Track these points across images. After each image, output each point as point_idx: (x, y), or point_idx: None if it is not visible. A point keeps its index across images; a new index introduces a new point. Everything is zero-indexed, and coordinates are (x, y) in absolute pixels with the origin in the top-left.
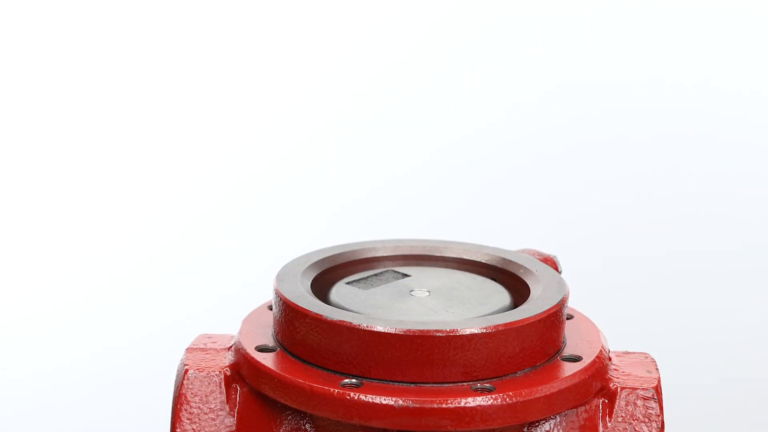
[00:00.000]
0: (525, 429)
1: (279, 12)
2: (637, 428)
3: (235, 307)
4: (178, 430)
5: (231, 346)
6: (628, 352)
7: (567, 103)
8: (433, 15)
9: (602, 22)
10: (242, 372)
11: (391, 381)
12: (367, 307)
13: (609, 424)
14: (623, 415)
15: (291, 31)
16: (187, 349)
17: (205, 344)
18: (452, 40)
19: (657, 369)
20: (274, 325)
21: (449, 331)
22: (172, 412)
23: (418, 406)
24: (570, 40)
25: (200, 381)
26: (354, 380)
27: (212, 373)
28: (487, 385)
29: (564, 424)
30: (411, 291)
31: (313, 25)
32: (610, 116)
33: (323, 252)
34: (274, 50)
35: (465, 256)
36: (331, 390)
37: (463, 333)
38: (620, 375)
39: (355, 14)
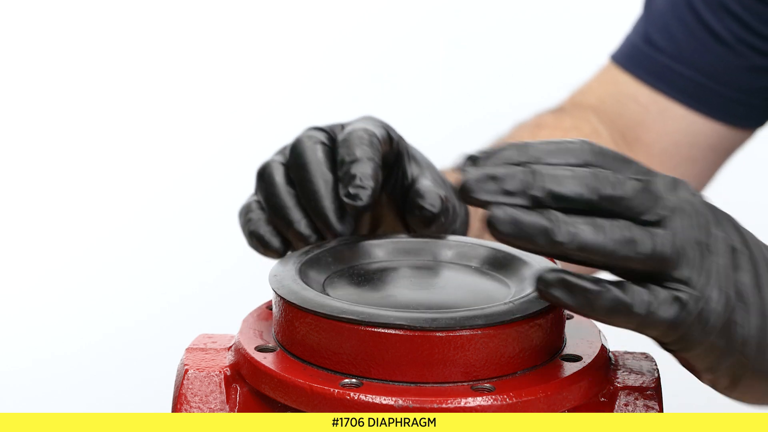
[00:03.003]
0: None
1: (276, 14)
2: None
3: (235, 307)
4: None
5: (231, 346)
6: (628, 352)
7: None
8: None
9: (609, 20)
10: (242, 372)
11: (391, 381)
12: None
13: None
14: None
15: (278, 26)
16: (187, 349)
17: (205, 344)
18: (449, 34)
19: (657, 369)
20: (274, 325)
21: (449, 331)
22: (172, 411)
23: (418, 405)
24: (571, 39)
25: (200, 381)
26: (354, 380)
27: (212, 373)
28: (487, 385)
29: None
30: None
31: (304, 19)
32: None
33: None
34: (265, 46)
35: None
36: (331, 390)
37: (463, 333)
38: (620, 375)
39: (351, 11)
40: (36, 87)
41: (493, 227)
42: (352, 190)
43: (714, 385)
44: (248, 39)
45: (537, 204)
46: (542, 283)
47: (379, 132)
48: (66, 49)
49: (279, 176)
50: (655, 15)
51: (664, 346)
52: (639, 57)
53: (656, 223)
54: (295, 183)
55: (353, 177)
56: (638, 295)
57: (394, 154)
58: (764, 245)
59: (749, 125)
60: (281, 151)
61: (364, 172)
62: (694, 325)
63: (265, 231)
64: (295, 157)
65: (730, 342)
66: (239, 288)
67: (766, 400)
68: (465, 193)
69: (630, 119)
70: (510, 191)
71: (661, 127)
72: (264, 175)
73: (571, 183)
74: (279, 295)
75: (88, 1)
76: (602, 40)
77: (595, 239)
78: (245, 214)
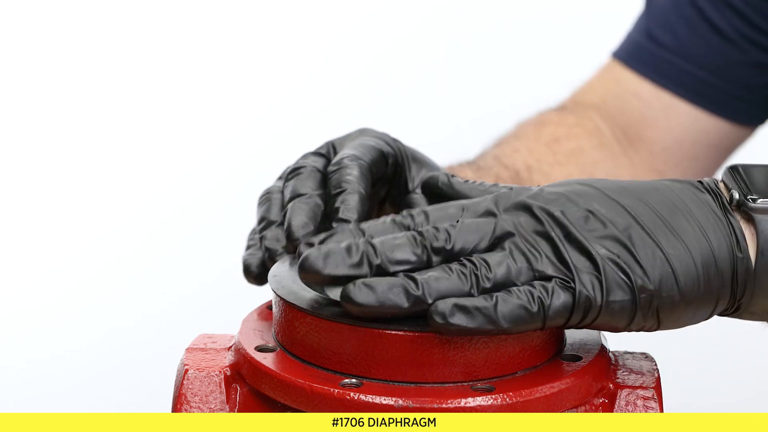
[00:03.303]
0: None
1: (272, 13)
2: None
3: (235, 307)
4: None
5: (231, 346)
6: (628, 352)
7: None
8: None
9: (608, 21)
10: (242, 372)
11: (391, 381)
12: None
13: None
14: None
15: (278, 26)
16: (187, 349)
17: (205, 344)
18: (449, 34)
19: (657, 369)
20: (274, 325)
21: None
22: (172, 411)
23: (418, 406)
24: (572, 39)
25: (200, 381)
26: (354, 380)
27: (212, 373)
28: (487, 385)
29: None
30: None
31: (303, 19)
32: None
33: None
34: (264, 46)
35: None
36: (331, 390)
37: None
38: (620, 375)
39: (350, 11)
40: (36, 87)
41: (351, 302)
42: (334, 224)
43: (642, 330)
44: (248, 39)
45: (381, 273)
46: (438, 316)
47: (369, 156)
48: (66, 49)
49: (275, 202)
50: (656, 11)
51: (578, 326)
52: (641, 53)
53: (494, 246)
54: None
55: (337, 210)
56: (527, 294)
57: (392, 169)
58: (626, 182)
59: (751, 122)
60: (282, 176)
61: (348, 205)
62: (588, 300)
63: (248, 255)
64: (289, 185)
65: (629, 292)
66: (239, 288)
67: (695, 320)
68: (310, 272)
69: (632, 116)
70: (355, 263)
71: (664, 124)
72: (261, 201)
73: (405, 247)
74: (279, 296)
75: (88, 1)
76: (602, 39)
77: (449, 284)
78: (247, 241)
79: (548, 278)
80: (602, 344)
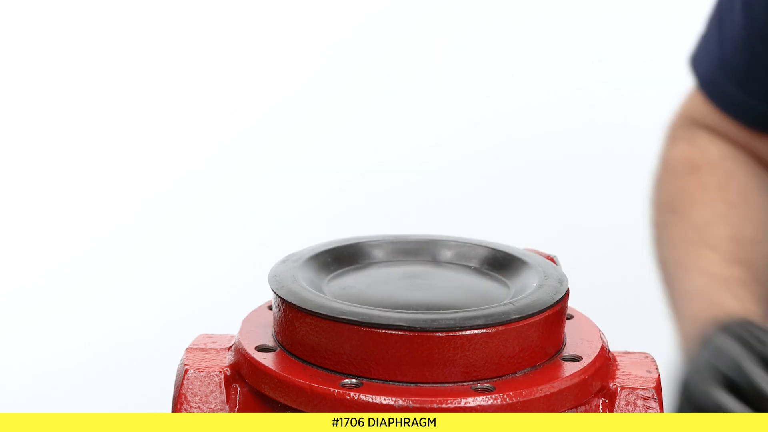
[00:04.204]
0: None
1: (270, 11)
2: None
3: (235, 307)
4: None
5: (231, 346)
6: (628, 352)
7: (571, 104)
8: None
9: (608, 21)
10: (242, 372)
11: (391, 381)
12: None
13: None
14: None
15: (278, 26)
16: (187, 349)
17: (205, 344)
18: (452, 31)
19: (657, 369)
20: (274, 325)
21: (449, 331)
22: (172, 411)
23: (418, 406)
24: (576, 41)
25: (200, 381)
26: (354, 380)
27: (212, 373)
28: (487, 385)
29: None
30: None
31: (304, 18)
32: (614, 118)
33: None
34: (265, 46)
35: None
36: (331, 390)
37: (464, 333)
38: (620, 375)
39: (351, 11)
40: (36, 88)
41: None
42: None
43: None
44: (249, 39)
45: None
46: None
47: None
48: (66, 50)
49: None
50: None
51: None
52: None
53: None
54: None
55: None
56: None
57: None
58: None
59: None
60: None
61: None
62: None
63: None
64: None
65: None
66: (239, 288)
67: None
68: None
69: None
70: None
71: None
72: None
73: None
74: (279, 296)
75: (88, 2)
76: (602, 40)
77: None
78: None
79: None
80: (602, 344)
